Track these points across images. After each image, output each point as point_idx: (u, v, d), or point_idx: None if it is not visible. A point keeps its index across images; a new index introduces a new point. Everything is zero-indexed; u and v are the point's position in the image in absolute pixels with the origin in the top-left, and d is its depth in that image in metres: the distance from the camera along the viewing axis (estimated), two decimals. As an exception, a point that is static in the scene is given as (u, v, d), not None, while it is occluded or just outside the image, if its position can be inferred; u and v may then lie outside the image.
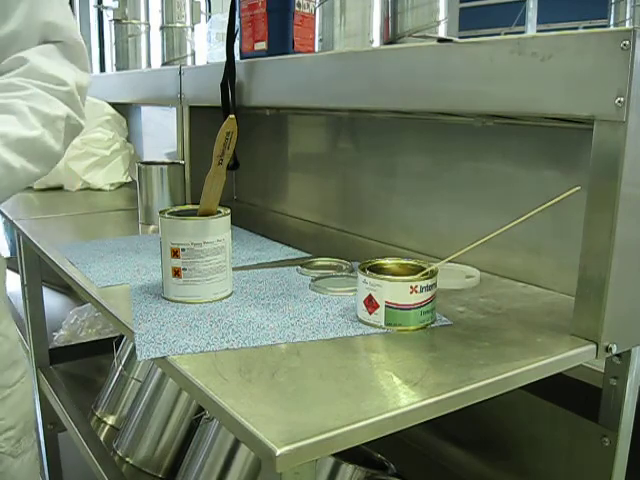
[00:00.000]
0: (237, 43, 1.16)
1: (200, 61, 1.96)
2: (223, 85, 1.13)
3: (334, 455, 0.79)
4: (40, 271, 1.50)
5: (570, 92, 0.62)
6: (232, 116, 0.73)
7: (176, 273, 0.76)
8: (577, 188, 0.65)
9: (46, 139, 0.77)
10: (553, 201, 0.66)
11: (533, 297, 0.82)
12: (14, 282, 1.91)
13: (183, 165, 1.32)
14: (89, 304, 1.65)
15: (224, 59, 1.13)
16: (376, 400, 0.53)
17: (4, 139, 0.72)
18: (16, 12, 0.77)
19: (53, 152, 0.79)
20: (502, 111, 0.73)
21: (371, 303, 0.68)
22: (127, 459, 1.15)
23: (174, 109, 1.45)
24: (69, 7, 0.85)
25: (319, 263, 0.93)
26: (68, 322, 1.69)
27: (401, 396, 0.54)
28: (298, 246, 1.05)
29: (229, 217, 0.78)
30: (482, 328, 0.69)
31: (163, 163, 1.30)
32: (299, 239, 1.13)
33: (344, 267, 0.91)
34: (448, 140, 0.98)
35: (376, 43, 0.98)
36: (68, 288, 1.69)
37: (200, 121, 1.38)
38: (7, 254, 2.18)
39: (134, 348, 0.65)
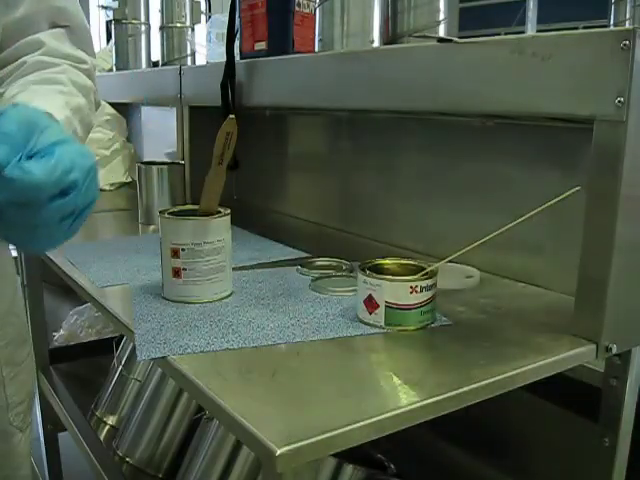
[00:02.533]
0: (237, 43, 1.16)
1: (200, 61, 1.96)
2: (223, 85, 1.13)
3: (334, 455, 0.79)
4: (40, 271, 1.50)
5: (570, 92, 0.62)
6: (232, 116, 0.73)
7: (176, 273, 0.75)
8: (577, 188, 0.65)
9: (87, 109, 0.78)
10: (553, 201, 0.66)
11: (533, 297, 0.82)
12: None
13: (183, 165, 1.32)
14: (89, 304, 1.65)
15: (224, 59, 1.13)
16: (376, 400, 0.53)
17: (70, 108, 0.71)
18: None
19: (92, 122, 0.80)
20: (502, 111, 0.73)
21: (371, 303, 0.68)
22: (127, 459, 1.15)
23: (174, 109, 1.45)
24: None
25: (319, 263, 0.93)
26: (68, 322, 1.69)
27: (401, 396, 0.54)
28: (298, 246, 1.05)
29: (229, 217, 0.78)
30: (482, 328, 0.69)
31: (163, 163, 1.30)
32: (299, 239, 1.13)
33: (344, 267, 0.91)
34: (448, 140, 0.98)
35: (376, 43, 0.97)
36: (68, 288, 1.69)
37: (200, 121, 1.38)
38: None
39: (134, 348, 0.65)
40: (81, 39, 0.83)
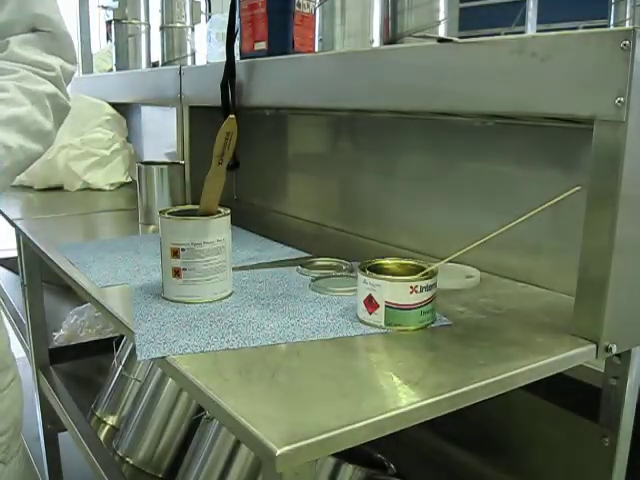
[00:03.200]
0: (237, 43, 1.16)
1: (200, 61, 1.96)
2: (223, 85, 1.13)
3: (334, 455, 0.79)
4: (40, 271, 1.50)
5: (570, 92, 0.62)
6: (232, 116, 0.73)
7: (176, 273, 0.76)
8: (577, 188, 0.65)
9: (35, 115, 0.79)
10: (553, 201, 0.66)
11: (533, 297, 0.82)
12: (14, 282, 1.91)
13: (183, 165, 1.32)
14: (89, 304, 1.65)
15: (224, 59, 1.13)
16: (376, 400, 0.53)
17: None
18: (8, 4, 0.80)
19: (45, 129, 0.81)
20: (502, 111, 0.73)
21: (371, 303, 0.68)
22: (127, 459, 1.15)
23: (174, 109, 1.45)
24: (57, 1, 0.87)
25: (319, 263, 0.93)
26: (68, 322, 1.69)
27: (401, 396, 0.54)
28: (298, 246, 1.05)
29: (229, 217, 0.78)
30: (482, 328, 0.69)
31: (163, 163, 1.30)
32: (299, 239, 1.13)
33: (344, 267, 0.91)
34: (448, 140, 0.98)
35: (376, 43, 0.97)
36: (68, 288, 1.69)
37: (200, 121, 1.38)
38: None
39: (134, 348, 0.65)
40: (61, 46, 0.85)
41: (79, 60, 2.48)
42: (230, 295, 0.79)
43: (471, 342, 0.65)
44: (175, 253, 0.75)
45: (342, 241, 1.17)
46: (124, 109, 1.86)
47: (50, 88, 0.82)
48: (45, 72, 0.82)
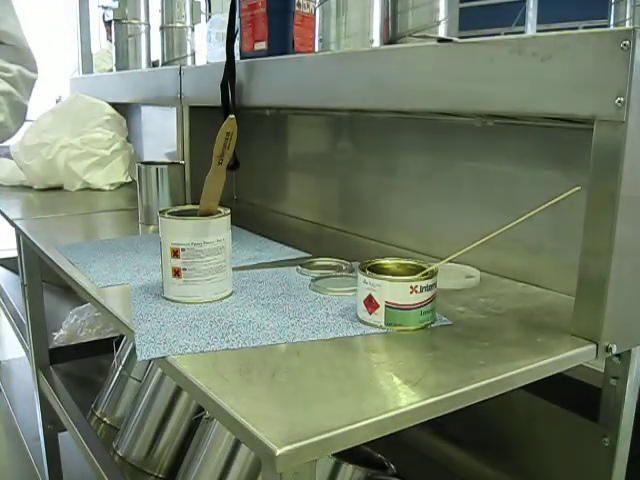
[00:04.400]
0: (237, 43, 1.16)
1: (200, 61, 1.96)
2: (223, 85, 1.13)
3: (334, 455, 0.79)
4: (40, 271, 1.50)
5: (570, 92, 0.62)
6: (232, 116, 0.73)
7: (176, 273, 0.76)
8: (577, 188, 0.65)
9: None
10: (553, 201, 0.66)
11: (533, 297, 0.82)
12: (14, 282, 1.91)
13: (183, 165, 1.32)
14: (89, 304, 1.65)
15: (224, 59, 1.13)
16: (376, 400, 0.53)
17: None
18: None
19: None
20: (502, 111, 0.73)
21: (371, 303, 0.68)
22: (127, 459, 1.14)
23: (174, 109, 1.45)
24: (19, 19, 0.98)
25: (319, 263, 0.93)
26: (68, 322, 1.69)
27: (401, 396, 0.54)
28: (298, 246, 1.05)
29: (229, 217, 0.78)
30: (482, 328, 0.69)
31: (163, 163, 1.30)
32: (299, 239, 1.13)
33: (344, 267, 0.91)
34: (448, 140, 0.98)
35: (376, 43, 0.97)
36: (68, 288, 1.69)
37: (200, 121, 1.38)
38: None
39: (134, 348, 0.65)
40: (23, 58, 0.95)
41: (79, 60, 2.47)
42: (230, 295, 0.79)
43: (471, 342, 0.65)
44: (175, 253, 0.75)
45: (342, 241, 1.17)
46: (124, 109, 1.86)
47: (4, 86, 0.90)
48: (2, 73, 0.90)
